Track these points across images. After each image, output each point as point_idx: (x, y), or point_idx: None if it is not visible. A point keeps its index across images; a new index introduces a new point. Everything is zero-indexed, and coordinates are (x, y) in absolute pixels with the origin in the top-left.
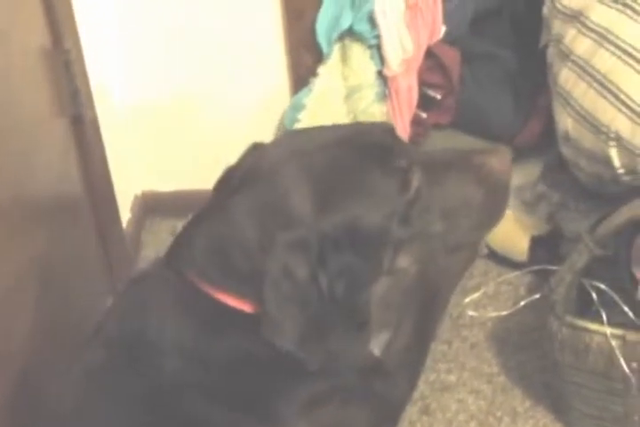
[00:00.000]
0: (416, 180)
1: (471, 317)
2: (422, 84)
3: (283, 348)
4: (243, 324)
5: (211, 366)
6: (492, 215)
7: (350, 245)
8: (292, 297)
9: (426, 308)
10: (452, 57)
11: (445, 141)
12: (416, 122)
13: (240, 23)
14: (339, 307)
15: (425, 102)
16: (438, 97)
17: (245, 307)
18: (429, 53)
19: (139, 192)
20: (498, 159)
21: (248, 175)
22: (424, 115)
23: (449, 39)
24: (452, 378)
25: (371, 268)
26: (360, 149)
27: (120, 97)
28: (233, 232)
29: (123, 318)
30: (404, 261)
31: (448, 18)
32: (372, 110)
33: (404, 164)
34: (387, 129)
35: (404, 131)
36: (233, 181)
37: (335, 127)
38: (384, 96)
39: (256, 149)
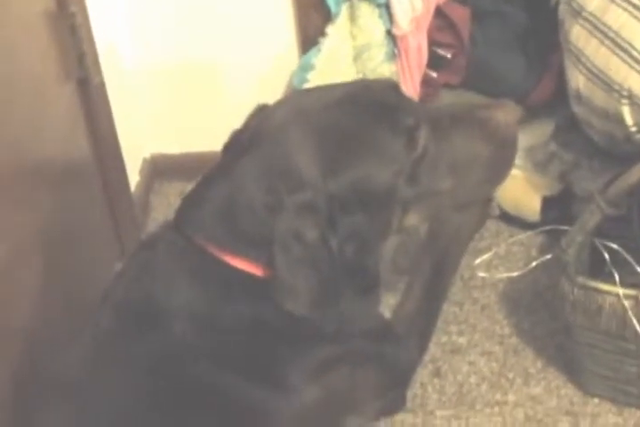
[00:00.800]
0: (423, 137)
1: (482, 278)
2: (432, 43)
3: (295, 312)
4: (252, 288)
5: (220, 331)
6: (499, 170)
7: (359, 206)
8: (303, 260)
9: (436, 269)
10: (461, 15)
11: (456, 101)
12: (426, 82)
13: None
14: (349, 269)
15: (435, 62)
16: (448, 56)
17: (255, 270)
18: (439, 12)
19: (147, 155)
20: (504, 113)
21: (254, 137)
22: (434, 74)
23: None
24: (464, 340)
25: (380, 227)
26: (365, 107)
27: (128, 60)
28: (241, 195)
29: (132, 283)
30: (413, 220)
31: None
32: (382, 70)
33: (410, 121)
34: (392, 86)
35: (414, 91)
36: (240, 143)
37: (340, 85)
38: (393, 55)
39: (262, 110)
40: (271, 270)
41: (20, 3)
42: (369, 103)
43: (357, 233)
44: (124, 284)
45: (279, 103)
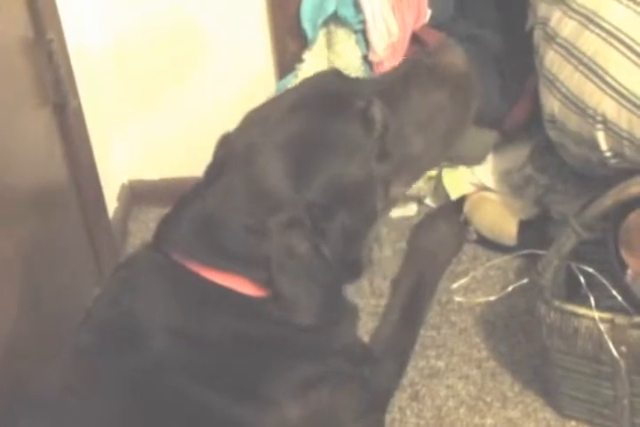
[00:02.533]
0: (379, 113)
1: (460, 302)
2: None
3: (303, 323)
4: (234, 304)
5: (202, 347)
6: (465, 109)
7: (341, 204)
8: (302, 274)
9: (414, 294)
10: (437, 40)
11: None
12: None
13: (225, 10)
14: (341, 264)
15: None
16: None
17: (238, 286)
18: (415, 38)
19: (125, 181)
20: (449, 55)
21: (224, 163)
22: None
23: (435, 23)
24: (441, 364)
25: (366, 214)
26: (315, 106)
27: (107, 85)
28: (220, 216)
29: (111, 302)
30: (398, 189)
31: (433, 1)
32: None
33: (361, 103)
34: (334, 73)
35: None
36: (212, 170)
37: (287, 93)
38: None
39: (226, 138)
40: (272, 290)
41: None
42: (318, 101)
43: (346, 230)
44: (103, 303)
45: (237, 127)
